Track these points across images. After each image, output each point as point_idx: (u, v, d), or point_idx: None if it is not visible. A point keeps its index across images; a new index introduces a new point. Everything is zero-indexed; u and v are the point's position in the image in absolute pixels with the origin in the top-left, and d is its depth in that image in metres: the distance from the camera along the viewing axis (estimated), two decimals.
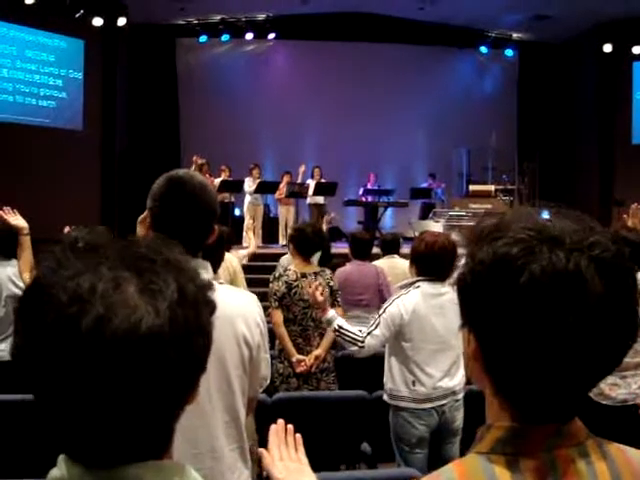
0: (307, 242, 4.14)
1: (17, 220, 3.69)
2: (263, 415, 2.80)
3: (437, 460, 3.17)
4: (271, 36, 14.61)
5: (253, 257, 6.22)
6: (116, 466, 0.74)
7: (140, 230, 1.89)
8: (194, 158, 10.79)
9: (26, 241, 3.72)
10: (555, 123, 15.15)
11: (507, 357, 0.80)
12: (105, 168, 12.89)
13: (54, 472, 0.77)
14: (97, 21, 12.22)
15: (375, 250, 6.00)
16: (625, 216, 4.23)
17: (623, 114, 13.80)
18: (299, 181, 12.03)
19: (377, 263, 5.56)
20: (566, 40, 14.51)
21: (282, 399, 3.53)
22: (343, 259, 6.11)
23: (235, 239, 6.59)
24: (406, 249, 6.76)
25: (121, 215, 12.25)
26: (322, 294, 3.23)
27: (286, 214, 11.81)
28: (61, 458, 0.77)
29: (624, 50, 13.21)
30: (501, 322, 0.79)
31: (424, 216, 12.84)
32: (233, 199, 11.92)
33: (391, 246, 5.97)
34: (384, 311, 3.17)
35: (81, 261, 0.73)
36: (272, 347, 3.74)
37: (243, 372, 1.79)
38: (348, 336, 3.13)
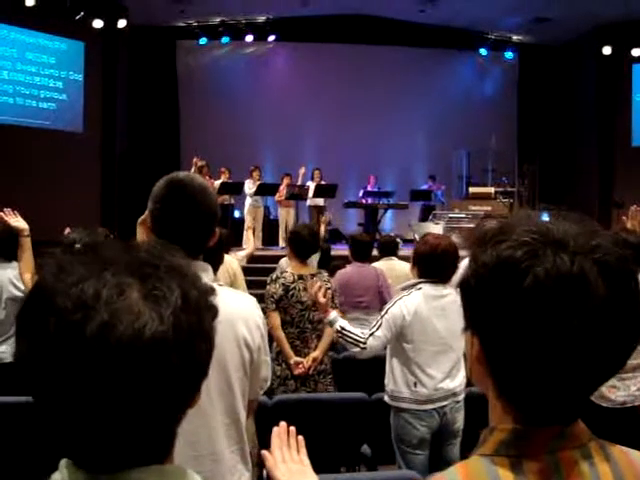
0: (303, 244, 4.14)
1: (18, 222, 3.69)
2: (263, 417, 2.80)
3: (438, 461, 3.18)
4: (271, 38, 14.62)
5: (251, 258, 6.21)
6: (119, 471, 0.74)
7: (140, 232, 1.89)
8: (194, 160, 10.79)
9: (27, 243, 3.72)
10: (555, 125, 15.17)
11: (511, 360, 0.80)
12: (105, 170, 12.90)
13: (55, 477, 0.77)
14: (97, 23, 12.22)
15: (373, 252, 6.00)
16: (624, 218, 4.23)
17: (623, 116, 13.82)
18: (299, 183, 12.03)
19: (375, 265, 5.56)
20: (566, 42, 14.53)
21: (282, 401, 3.53)
22: (343, 261, 6.12)
23: (234, 241, 6.59)
24: (406, 251, 6.79)
25: (121, 217, 12.26)
26: (324, 295, 3.23)
27: (286, 216, 11.81)
28: (63, 463, 0.76)
29: (624, 52, 13.22)
30: (505, 325, 0.79)
31: (424, 218, 12.86)
32: (233, 201, 11.92)
33: (389, 248, 5.99)
34: (386, 312, 3.17)
35: (84, 266, 0.73)
36: (270, 349, 3.73)
37: (244, 374, 1.79)
38: (350, 337, 3.13)
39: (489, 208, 11.70)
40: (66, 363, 0.68)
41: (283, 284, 4.01)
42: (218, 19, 14.32)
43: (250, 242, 6.55)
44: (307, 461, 1.34)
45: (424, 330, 3.15)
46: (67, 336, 0.68)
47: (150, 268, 0.74)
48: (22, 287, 3.80)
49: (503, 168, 13.77)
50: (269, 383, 2.11)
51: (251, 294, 2.05)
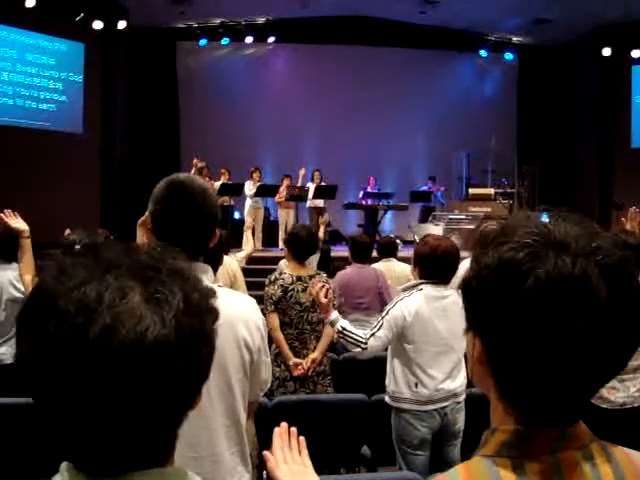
0: (301, 245, 4.14)
1: (18, 223, 3.69)
2: (264, 418, 2.80)
3: (438, 462, 3.19)
4: (271, 39, 14.62)
5: (251, 259, 6.21)
6: (120, 474, 0.74)
7: (140, 233, 1.89)
8: (194, 161, 10.79)
9: (27, 244, 3.71)
10: (555, 126, 15.17)
11: (512, 361, 0.80)
12: (105, 171, 12.90)
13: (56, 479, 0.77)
14: (97, 24, 12.22)
15: (373, 253, 6.00)
16: (623, 219, 4.23)
17: (622, 118, 13.82)
18: (299, 184, 12.03)
19: (374, 266, 5.56)
20: (566, 44, 14.54)
21: (282, 403, 3.53)
22: (343, 262, 6.12)
23: (233, 242, 6.59)
24: (406, 252, 6.79)
25: (121, 218, 12.26)
26: (326, 296, 3.23)
27: (286, 217, 11.82)
28: (63, 466, 0.76)
29: (623, 54, 13.24)
30: (506, 326, 0.79)
31: (424, 219, 12.85)
32: (233, 202, 11.92)
33: (388, 249, 5.99)
34: (387, 313, 3.18)
35: (85, 269, 0.73)
36: (269, 351, 3.72)
37: (244, 376, 1.79)
38: (351, 337, 3.14)
39: (489, 209, 11.70)
40: (67, 366, 0.68)
41: (281, 285, 4.01)
42: (218, 20, 14.33)
43: (249, 242, 6.55)
44: (309, 462, 1.34)
45: (425, 331, 3.15)
46: (69, 339, 0.68)
47: (152, 271, 0.74)
48: (22, 288, 3.80)
49: (503, 169, 13.77)
50: (269, 385, 2.11)
51: (251, 295, 2.05)
